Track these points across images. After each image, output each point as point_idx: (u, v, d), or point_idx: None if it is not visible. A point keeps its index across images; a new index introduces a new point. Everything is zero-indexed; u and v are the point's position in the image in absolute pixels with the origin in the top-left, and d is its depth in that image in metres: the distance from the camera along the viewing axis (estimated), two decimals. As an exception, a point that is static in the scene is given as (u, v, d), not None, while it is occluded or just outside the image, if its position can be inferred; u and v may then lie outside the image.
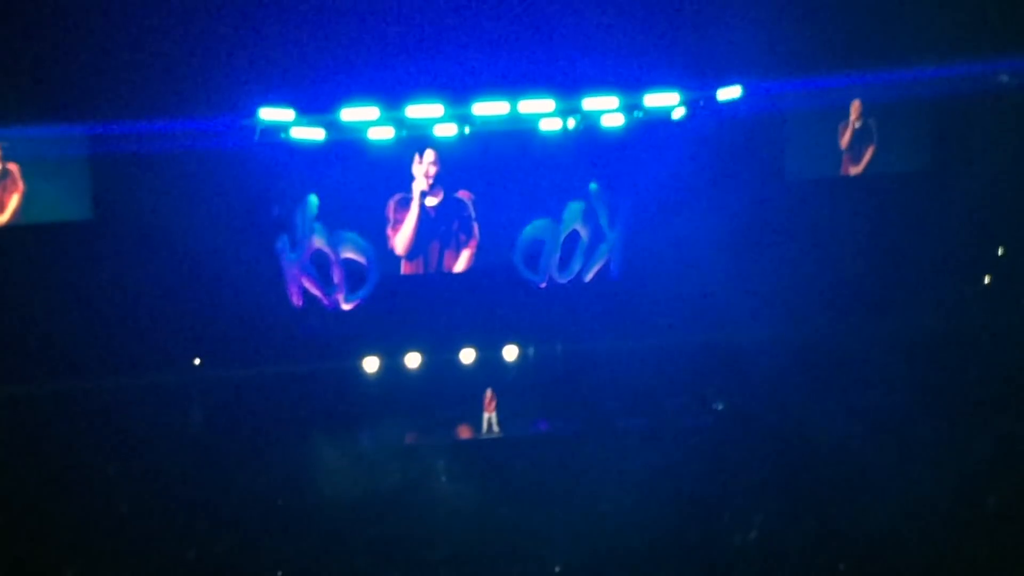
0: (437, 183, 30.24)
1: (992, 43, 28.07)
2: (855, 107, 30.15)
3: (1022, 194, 29.91)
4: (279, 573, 21.52)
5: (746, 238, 29.96)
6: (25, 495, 24.08)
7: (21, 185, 27.37)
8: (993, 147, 29.89)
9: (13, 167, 27.39)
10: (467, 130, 29.28)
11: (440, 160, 29.99)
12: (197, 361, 29.48)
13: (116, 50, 26.58)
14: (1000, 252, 31.20)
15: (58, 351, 27.97)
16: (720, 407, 29.65)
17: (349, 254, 30.43)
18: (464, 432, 29.42)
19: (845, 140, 30.28)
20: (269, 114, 27.77)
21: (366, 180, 29.85)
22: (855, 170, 30.50)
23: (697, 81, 29.17)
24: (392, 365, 30.63)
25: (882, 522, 21.84)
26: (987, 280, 31.21)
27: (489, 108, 28.72)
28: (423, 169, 29.97)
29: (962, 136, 30.36)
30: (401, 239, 30.50)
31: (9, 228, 27.57)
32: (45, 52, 26.38)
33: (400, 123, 28.79)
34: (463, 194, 30.57)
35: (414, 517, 24.08)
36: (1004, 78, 29.28)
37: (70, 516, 23.27)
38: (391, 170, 29.98)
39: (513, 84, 28.53)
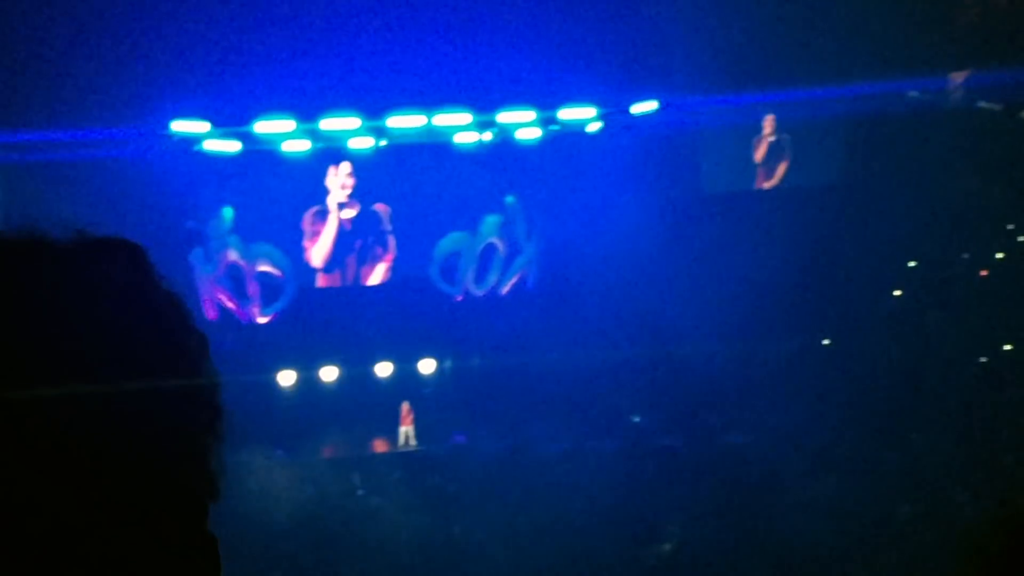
0: (353, 196, 30.51)
1: (903, 60, 28.96)
2: (769, 122, 31.07)
3: (932, 208, 30.77)
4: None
5: (663, 251, 30.49)
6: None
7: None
8: (905, 161, 31.00)
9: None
10: (383, 143, 29.76)
11: (356, 173, 30.26)
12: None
13: (22, 56, 26.44)
14: (911, 265, 31.99)
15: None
16: (637, 419, 30.26)
17: (264, 267, 30.56)
18: (381, 445, 29.87)
19: (759, 154, 31.18)
20: (182, 126, 28.02)
21: (281, 193, 30.04)
22: (769, 184, 31.45)
23: (613, 95, 29.85)
24: (308, 378, 30.79)
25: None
26: (897, 293, 32.02)
27: (404, 121, 29.20)
28: (339, 182, 30.24)
29: (874, 150, 31.45)
30: (318, 252, 30.71)
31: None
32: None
33: (315, 136, 29.19)
34: (379, 207, 30.86)
35: (329, 530, 24.36)
36: (915, 94, 30.13)
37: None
38: (307, 183, 30.19)
39: (429, 97, 29.06)
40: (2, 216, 26.48)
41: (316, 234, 30.61)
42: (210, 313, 30.15)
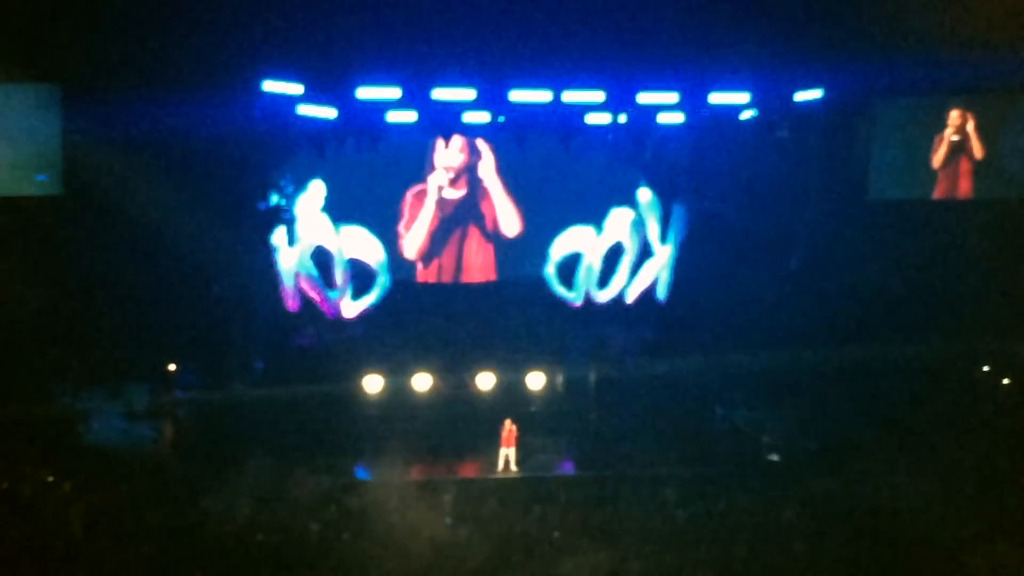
0: (461, 177, 29.38)
1: None
2: (955, 117, 28.46)
3: None
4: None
5: (818, 262, 28.94)
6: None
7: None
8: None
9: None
10: (501, 119, 28.00)
11: (467, 151, 29.11)
12: (172, 367, 27.98)
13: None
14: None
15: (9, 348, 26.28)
16: (775, 458, 27.78)
17: (356, 254, 29.40)
18: (477, 469, 27.83)
19: (939, 157, 28.60)
20: (274, 87, 26.34)
21: (381, 168, 28.70)
22: (951, 193, 28.86)
23: (771, 80, 27.69)
24: (397, 386, 29.29)
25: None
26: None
27: (528, 96, 27.32)
28: (445, 159, 29.07)
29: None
30: (414, 239, 29.67)
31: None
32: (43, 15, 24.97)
33: (424, 106, 27.34)
34: (490, 192, 29.59)
35: (414, 565, 22.21)
36: None
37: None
38: (410, 159, 29.10)
39: (558, 71, 27.21)
40: (67, 179, 25.57)
41: (414, 218, 29.45)
42: (291, 303, 29.07)
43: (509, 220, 29.62)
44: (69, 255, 26.61)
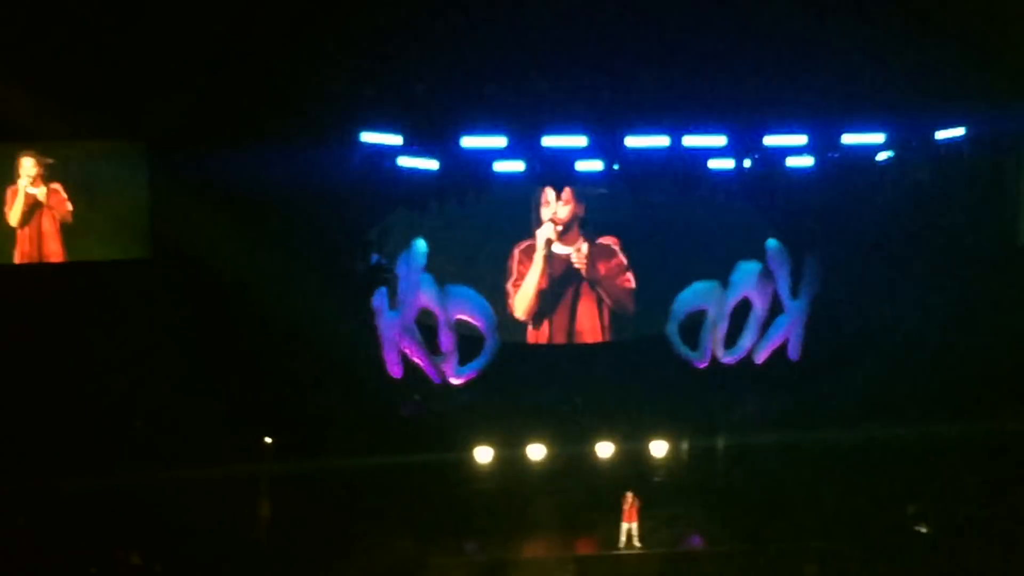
0: (571, 230, 28.53)
1: None
2: None
3: None
4: None
5: (966, 315, 27.51)
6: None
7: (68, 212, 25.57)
8: None
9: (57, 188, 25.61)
10: (616, 166, 26.92)
11: (579, 201, 28.29)
12: (268, 440, 27.23)
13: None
14: None
15: (96, 419, 25.80)
16: (925, 530, 26.33)
17: (462, 315, 28.62)
18: (596, 545, 26.92)
19: None
20: (374, 138, 25.66)
21: (487, 223, 28.16)
22: None
23: (910, 118, 26.55)
24: (510, 457, 28.48)
25: None
26: None
27: (644, 141, 26.41)
28: (554, 211, 28.30)
29: None
30: (523, 298, 28.88)
31: (52, 267, 25.76)
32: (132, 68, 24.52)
33: (533, 155, 26.48)
34: (607, 244, 28.74)
35: None
36: None
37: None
38: (518, 212, 28.39)
39: (677, 113, 26.24)
40: (156, 241, 24.92)
41: (523, 276, 28.64)
42: (394, 370, 28.29)
43: (626, 276, 28.82)
44: (156, 321, 26.08)
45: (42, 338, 25.07)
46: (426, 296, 28.16)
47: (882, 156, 27.20)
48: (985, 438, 26.67)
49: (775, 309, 29.18)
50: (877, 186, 27.55)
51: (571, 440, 28.46)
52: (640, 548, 26.17)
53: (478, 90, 25.45)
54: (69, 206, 25.42)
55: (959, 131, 26.48)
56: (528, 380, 28.72)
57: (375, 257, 27.85)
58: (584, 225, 28.42)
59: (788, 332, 29.16)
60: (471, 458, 28.19)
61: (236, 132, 24.54)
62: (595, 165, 26.88)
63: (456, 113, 25.70)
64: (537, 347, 29.07)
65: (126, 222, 25.61)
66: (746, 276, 28.99)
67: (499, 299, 28.64)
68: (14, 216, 25.34)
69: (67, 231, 25.42)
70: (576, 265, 28.55)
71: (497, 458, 28.31)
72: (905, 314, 27.86)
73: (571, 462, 28.48)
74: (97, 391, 25.39)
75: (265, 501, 26.18)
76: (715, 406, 28.91)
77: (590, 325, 28.94)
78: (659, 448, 28.73)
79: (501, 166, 26.63)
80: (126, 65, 24.32)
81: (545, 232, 28.24)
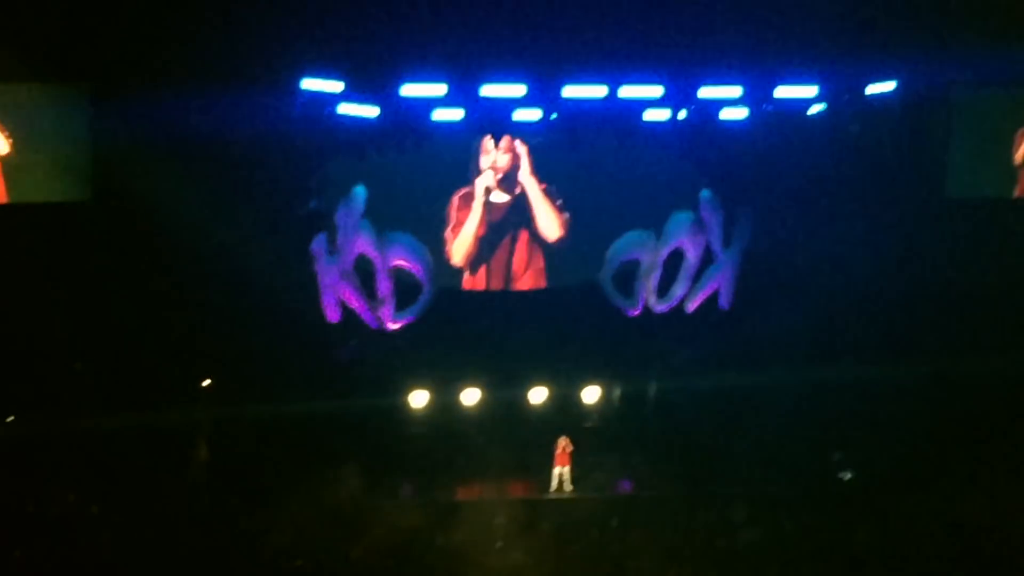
0: (510, 178, 28.63)
1: None
2: None
3: None
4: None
5: (892, 265, 28.03)
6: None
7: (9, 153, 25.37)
8: None
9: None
10: (553, 116, 27.42)
11: (517, 151, 28.32)
12: (207, 382, 27.43)
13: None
14: None
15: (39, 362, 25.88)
16: (848, 476, 27.03)
17: (400, 261, 28.81)
18: (528, 489, 27.27)
19: (1022, 153, 27.67)
20: (314, 85, 25.91)
21: (426, 171, 28.19)
22: None
23: (842, 72, 27.12)
24: (444, 402, 28.82)
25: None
26: None
27: (582, 91, 26.86)
28: (493, 159, 28.40)
29: None
30: (460, 245, 29.07)
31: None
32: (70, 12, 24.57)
33: (472, 104, 26.91)
34: (541, 194, 28.83)
35: None
36: None
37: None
38: (456, 160, 28.42)
39: (614, 65, 26.63)
40: (96, 185, 24.91)
41: (461, 223, 28.82)
42: (332, 314, 28.50)
43: (551, 225, 28.96)
44: (95, 264, 26.09)
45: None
46: (364, 242, 28.30)
47: (815, 109, 27.61)
48: (913, 382, 27.11)
49: (707, 259, 29.47)
50: (809, 139, 27.93)
51: (505, 385, 28.67)
52: (572, 492, 26.45)
53: (418, 39, 25.53)
54: (9, 147, 25.10)
55: (890, 85, 26.98)
56: (464, 325, 28.90)
57: (315, 203, 27.93)
58: (522, 173, 28.50)
59: (719, 281, 29.51)
60: (406, 402, 28.43)
61: (178, 77, 24.42)
62: (533, 114, 27.19)
63: (396, 61, 25.93)
64: (474, 293, 29.26)
65: (67, 165, 25.41)
66: (679, 226, 29.27)
67: (437, 246, 28.75)
68: (-47, 157, 25.46)
69: (8, 172, 25.11)
70: (513, 213, 28.74)
71: (432, 403, 28.58)
72: (834, 264, 28.08)
73: (505, 407, 28.72)
74: (35, 333, 25.28)
75: (203, 444, 26.38)
76: (647, 353, 29.15)
77: (526, 272, 29.11)
78: (592, 394, 29.08)
79: (440, 114, 26.89)
80: (68, 9, 24.15)
81: (484, 180, 28.41)
